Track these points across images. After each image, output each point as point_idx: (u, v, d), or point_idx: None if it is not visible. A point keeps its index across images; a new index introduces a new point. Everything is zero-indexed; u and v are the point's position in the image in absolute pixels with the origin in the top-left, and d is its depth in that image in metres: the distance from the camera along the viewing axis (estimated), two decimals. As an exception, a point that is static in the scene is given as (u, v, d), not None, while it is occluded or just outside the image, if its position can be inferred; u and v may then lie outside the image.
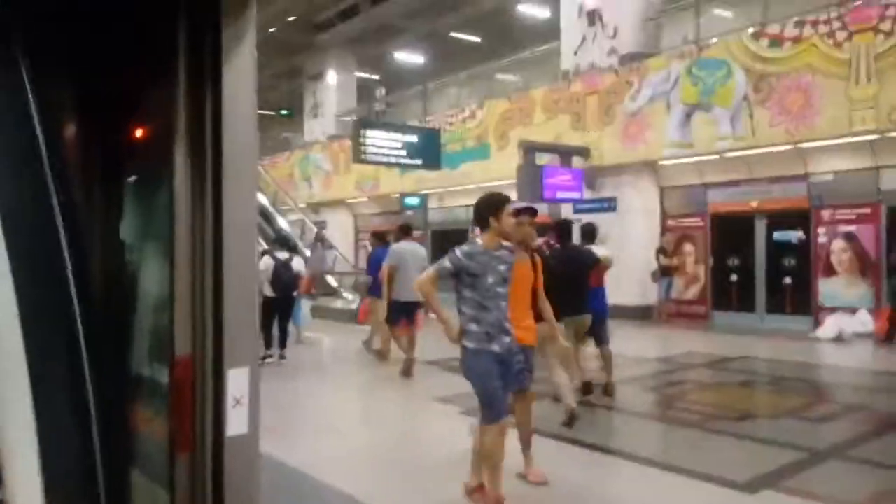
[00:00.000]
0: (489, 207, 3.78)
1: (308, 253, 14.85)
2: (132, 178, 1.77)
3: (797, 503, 4.04)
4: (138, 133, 1.68)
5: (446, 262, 3.74)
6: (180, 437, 1.36)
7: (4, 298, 1.26)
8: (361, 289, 9.39)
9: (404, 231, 8.47)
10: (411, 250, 8.15)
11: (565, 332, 5.49)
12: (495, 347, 3.68)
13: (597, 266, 6.51)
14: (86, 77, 1.76)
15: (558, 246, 6.58)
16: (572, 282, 5.97)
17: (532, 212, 4.45)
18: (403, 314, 8.03)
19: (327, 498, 4.28)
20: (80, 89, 1.78)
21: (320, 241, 16.53)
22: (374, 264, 9.09)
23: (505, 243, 3.83)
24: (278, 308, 8.79)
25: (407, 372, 7.82)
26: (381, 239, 9.41)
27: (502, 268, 3.76)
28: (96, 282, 1.55)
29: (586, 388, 6.50)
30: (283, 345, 8.88)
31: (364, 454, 5.28)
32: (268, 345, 8.65)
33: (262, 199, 14.78)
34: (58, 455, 1.26)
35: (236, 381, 1.34)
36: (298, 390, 7.59)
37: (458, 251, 3.74)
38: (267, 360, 8.50)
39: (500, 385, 3.69)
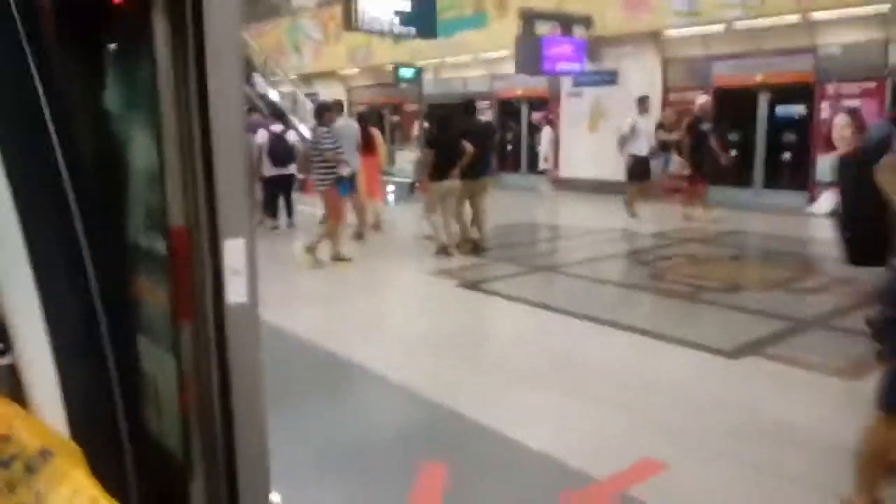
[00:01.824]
0: None
1: (303, 128, 14.68)
2: (112, 47, 1.69)
3: (779, 368, 4.25)
4: (115, -2, 1.59)
5: None
6: (182, 306, 1.39)
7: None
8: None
9: (335, 109, 9.25)
10: (347, 128, 8.89)
11: (465, 191, 7.67)
12: None
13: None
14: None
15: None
16: (477, 151, 7.50)
17: None
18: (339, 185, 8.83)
19: (330, 363, 4.47)
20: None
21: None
22: None
23: None
24: (278, 185, 9.50)
25: (359, 236, 8.68)
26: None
27: None
28: (85, 154, 1.52)
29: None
30: (289, 214, 9.76)
31: (366, 324, 5.46)
32: (275, 216, 9.69)
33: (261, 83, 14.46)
34: (62, 321, 1.30)
35: (233, 251, 1.35)
36: (292, 263, 7.72)
37: None
38: (275, 230, 9.58)
39: None
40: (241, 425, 1.40)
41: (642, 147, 10.28)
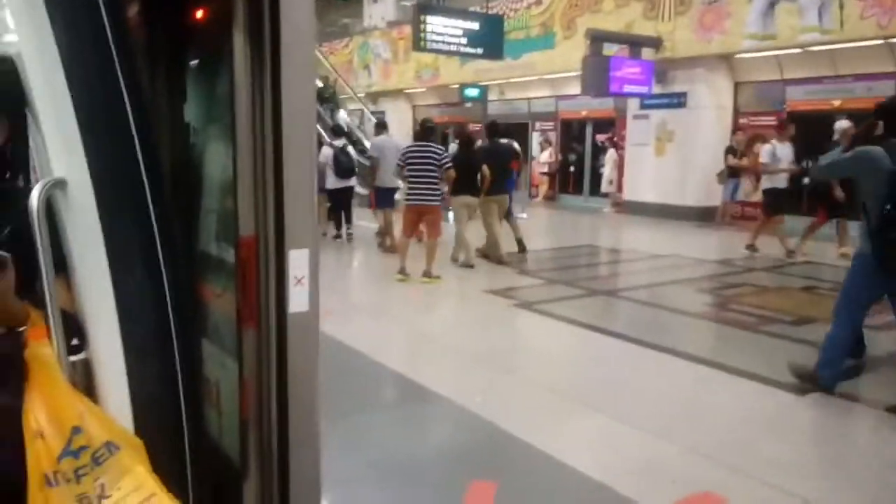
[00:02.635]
0: None
1: (367, 143, 14.95)
2: (193, 62, 1.78)
3: (846, 405, 4.05)
4: (198, 15, 1.68)
5: None
6: (246, 312, 1.44)
7: (82, 184, 1.31)
8: (367, 179, 10.11)
9: (382, 126, 10.19)
10: (390, 143, 9.34)
11: (490, 206, 8.35)
12: None
13: (516, 157, 9.32)
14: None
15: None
16: (499, 169, 8.20)
17: None
18: (386, 199, 9.30)
19: (381, 376, 4.51)
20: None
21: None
22: None
23: None
24: (339, 196, 9.89)
25: (391, 249, 8.91)
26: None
27: None
28: (164, 163, 1.60)
29: (519, 245, 8.90)
30: (347, 226, 10.13)
31: (420, 339, 5.49)
32: (338, 226, 10.14)
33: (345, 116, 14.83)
34: (135, 322, 1.36)
35: (297, 261, 1.39)
36: (352, 275, 7.85)
37: None
38: (336, 239, 10.07)
39: None
40: (295, 431, 1.44)
41: (781, 178, 9.14)
